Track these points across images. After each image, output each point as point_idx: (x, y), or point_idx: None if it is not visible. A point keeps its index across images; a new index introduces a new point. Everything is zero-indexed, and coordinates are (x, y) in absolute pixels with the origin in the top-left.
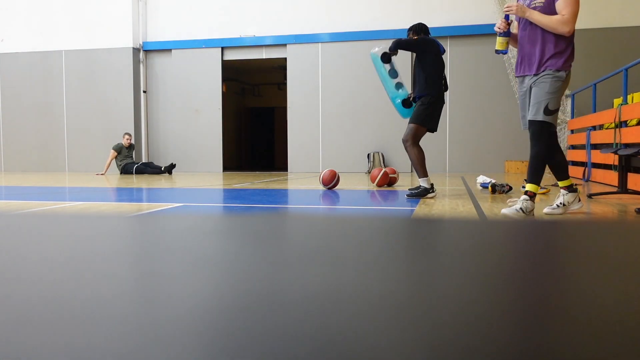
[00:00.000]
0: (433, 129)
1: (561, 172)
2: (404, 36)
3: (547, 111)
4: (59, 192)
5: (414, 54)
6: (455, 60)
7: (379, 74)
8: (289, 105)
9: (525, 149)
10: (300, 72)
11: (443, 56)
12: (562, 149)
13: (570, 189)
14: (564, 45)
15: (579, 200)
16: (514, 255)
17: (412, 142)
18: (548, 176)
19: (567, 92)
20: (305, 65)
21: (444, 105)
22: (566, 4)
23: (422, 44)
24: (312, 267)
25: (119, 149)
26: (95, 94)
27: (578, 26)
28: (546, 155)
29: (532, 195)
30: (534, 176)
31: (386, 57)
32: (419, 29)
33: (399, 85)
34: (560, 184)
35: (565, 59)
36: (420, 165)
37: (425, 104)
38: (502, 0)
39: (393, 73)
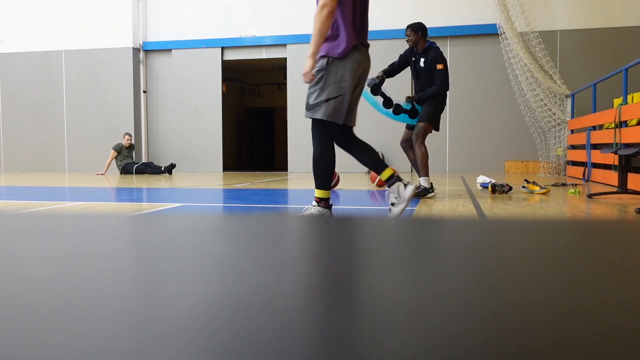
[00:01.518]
0: (437, 128)
1: (374, 166)
2: (402, 35)
3: (307, 106)
4: (59, 192)
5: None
6: (455, 60)
7: (377, 109)
8: (289, 105)
9: (525, 149)
10: (300, 72)
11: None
12: (562, 149)
13: (392, 179)
14: (332, 29)
15: (408, 186)
16: (514, 255)
17: (422, 140)
18: (548, 176)
19: (567, 92)
20: None
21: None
22: None
23: (446, 72)
24: (312, 267)
25: (119, 149)
26: (95, 94)
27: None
28: (320, 156)
29: (318, 201)
30: (316, 180)
31: (375, 89)
32: (418, 28)
33: (398, 108)
34: (382, 177)
35: (331, 44)
36: (424, 164)
37: (434, 104)
38: (502, 0)
39: (388, 102)
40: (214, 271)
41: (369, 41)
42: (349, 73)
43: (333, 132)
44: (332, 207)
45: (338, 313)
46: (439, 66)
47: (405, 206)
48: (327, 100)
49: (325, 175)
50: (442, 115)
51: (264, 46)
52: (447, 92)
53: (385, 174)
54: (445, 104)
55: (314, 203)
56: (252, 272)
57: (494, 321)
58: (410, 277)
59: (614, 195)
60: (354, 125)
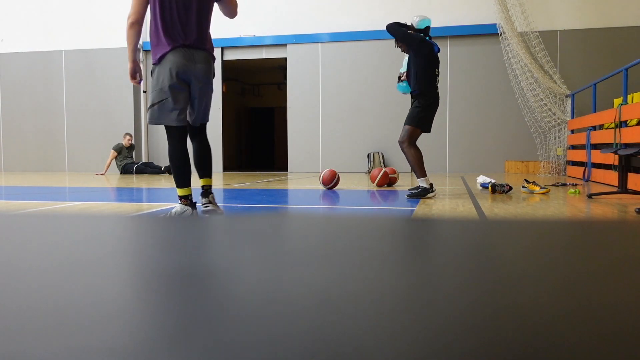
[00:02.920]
0: (427, 130)
1: (183, 175)
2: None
3: (148, 106)
4: (59, 192)
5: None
6: (454, 60)
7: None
8: (289, 105)
9: (525, 149)
10: (300, 72)
11: (441, 55)
12: (562, 149)
13: (183, 199)
14: (151, 38)
15: (182, 209)
16: (514, 256)
17: (408, 143)
18: (548, 176)
19: (567, 92)
20: (305, 65)
21: (444, 105)
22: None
23: (415, 43)
24: (312, 267)
25: (119, 149)
26: (95, 94)
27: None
28: (170, 156)
29: (180, 199)
30: (175, 179)
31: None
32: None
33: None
34: (178, 191)
35: (152, 52)
36: (418, 166)
37: (420, 106)
38: (502, 0)
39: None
40: (213, 271)
41: (370, 41)
42: (167, 76)
43: (172, 133)
44: (196, 204)
45: (338, 313)
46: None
47: (175, 213)
48: (151, 106)
49: (178, 174)
50: (442, 115)
51: (264, 46)
52: (438, 93)
53: (180, 191)
54: (435, 104)
55: (179, 202)
56: (252, 272)
57: (494, 322)
58: (410, 278)
59: (614, 195)
60: (196, 123)
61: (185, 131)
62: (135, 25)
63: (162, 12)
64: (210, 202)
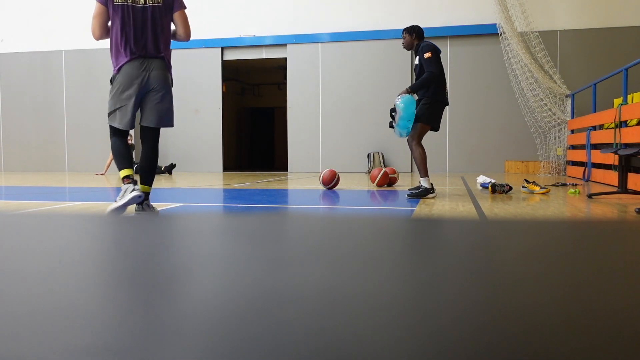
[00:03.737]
0: (436, 127)
1: (125, 162)
2: (400, 36)
3: (109, 111)
4: (59, 192)
5: (417, 58)
6: (455, 60)
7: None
8: (289, 105)
9: (525, 149)
10: (300, 72)
11: (441, 55)
12: (562, 149)
13: (126, 179)
14: (110, 51)
15: (132, 191)
16: (514, 256)
17: (418, 141)
18: (548, 176)
19: (567, 92)
20: (305, 65)
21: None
22: None
23: (435, 58)
24: (312, 267)
25: None
26: (95, 93)
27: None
28: (114, 147)
29: (123, 178)
30: (117, 164)
31: (391, 116)
32: (412, 30)
33: (390, 125)
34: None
35: (115, 64)
36: (422, 165)
37: (428, 103)
38: (502, 0)
39: (390, 124)
40: (214, 271)
41: (370, 41)
42: (123, 85)
43: (116, 132)
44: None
45: (339, 315)
46: (427, 55)
47: (122, 205)
48: (113, 111)
49: (120, 161)
50: (442, 115)
51: (264, 46)
52: (447, 90)
53: (123, 172)
54: (444, 102)
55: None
56: (252, 272)
57: (494, 323)
58: (410, 278)
59: (614, 195)
60: (151, 124)
61: (126, 131)
62: (98, 40)
63: (122, 27)
64: (143, 210)
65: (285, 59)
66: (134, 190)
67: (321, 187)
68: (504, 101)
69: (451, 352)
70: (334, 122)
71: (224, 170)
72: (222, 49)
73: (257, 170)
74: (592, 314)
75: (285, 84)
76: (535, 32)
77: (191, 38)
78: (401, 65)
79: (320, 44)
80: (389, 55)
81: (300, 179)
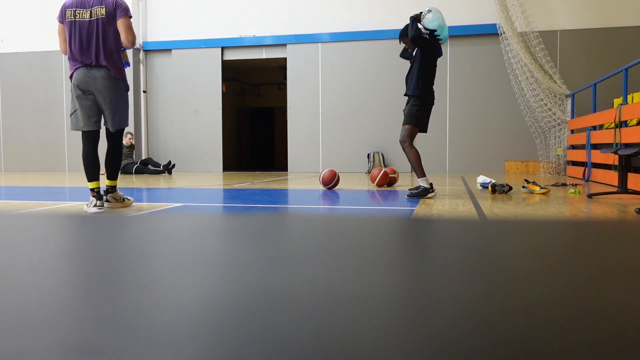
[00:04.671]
0: (424, 130)
1: (94, 174)
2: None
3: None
4: (59, 192)
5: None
6: (454, 60)
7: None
8: (289, 105)
9: (525, 149)
10: (300, 72)
11: (440, 57)
12: (562, 149)
13: (92, 192)
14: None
15: (94, 206)
16: (514, 256)
17: (409, 142)
18: (548, 176)
19: (567, 92)
20: (305, 65)
21: (443, 105)
22: None
23: (426, 47)
24: (312, 267)
25: None
26: None
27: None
28: (84, 156)
29: (91, 190)
30: (86, 175)
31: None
32: (405, 33)
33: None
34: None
35: (69, 71)
36: (418, 166)
37: (417, 105)
38: (502, 0)
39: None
40: (214, 271)
41: (370, 41)
42: (74, 92)
43: (84, 137)
44: (104, 197)
45: (338, 313)
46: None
47: (96, 210)
48: (70, 115)
49: (88, 171)
50: (442, 115)
51: (264, 46)
52: (434, 92)
53: (90, 185)
54: (431, 103)
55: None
56: (252, 272)
57: (494, 322)
58: (410, 277)
59: (614, 195)
60: (113, 129)
61: (96, 135)
62: (64, 53)
63: (71, 39)
64: (108, 201)
65: (285, 59)
66: (95, 206)
67: (321, 187)
68: (504, 101)
69: (451, 350)
70: (333, 122)
71: (223, 170)
72: (222, 49)
73: (257, 170)
74: (592, 314)
75: (285, 84)
76: (535, 32)
77: (190, 37)
78: (401, 65)
79: (320, 44)
80: (389, 55)
81: (300, 179)
